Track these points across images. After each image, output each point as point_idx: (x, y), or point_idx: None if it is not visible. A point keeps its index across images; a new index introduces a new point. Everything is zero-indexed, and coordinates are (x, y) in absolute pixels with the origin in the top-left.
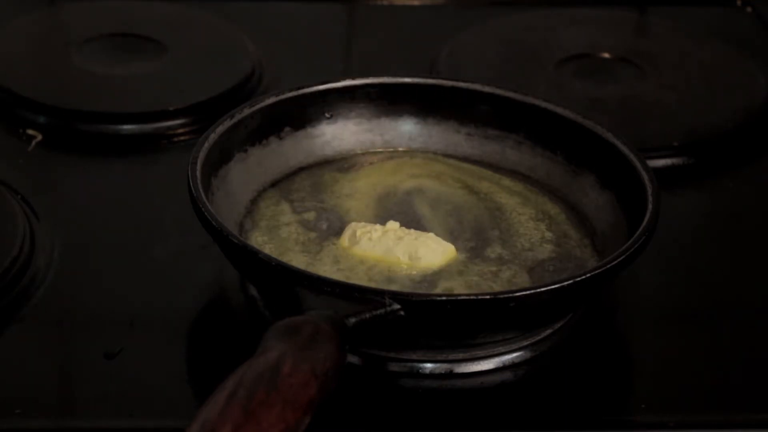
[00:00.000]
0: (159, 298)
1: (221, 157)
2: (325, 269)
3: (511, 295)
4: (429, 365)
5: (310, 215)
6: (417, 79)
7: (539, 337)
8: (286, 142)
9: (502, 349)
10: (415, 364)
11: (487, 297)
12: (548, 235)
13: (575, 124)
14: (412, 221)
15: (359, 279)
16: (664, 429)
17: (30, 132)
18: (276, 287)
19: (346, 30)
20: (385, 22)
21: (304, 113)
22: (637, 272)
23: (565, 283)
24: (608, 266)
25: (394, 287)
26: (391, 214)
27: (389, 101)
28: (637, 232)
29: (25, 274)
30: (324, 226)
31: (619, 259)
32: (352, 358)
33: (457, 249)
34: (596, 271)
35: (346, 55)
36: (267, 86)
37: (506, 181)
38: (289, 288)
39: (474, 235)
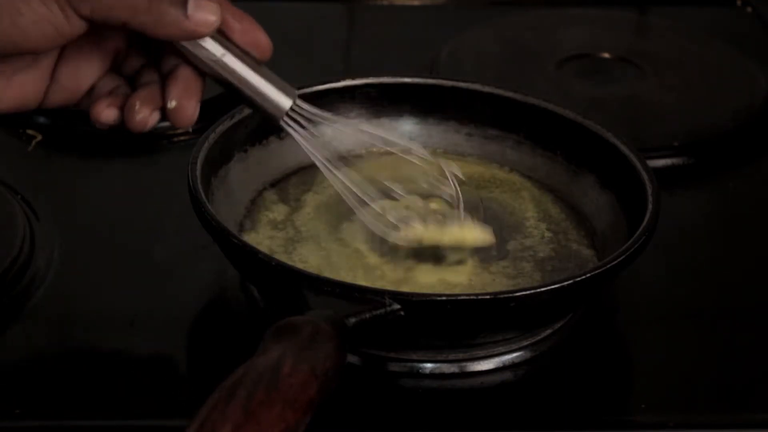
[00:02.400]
0: (159, 298)
1: (221, 157)
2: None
3: (511, 295)
4: (429, 365)
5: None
6: (417, 79)
7: (539, 337)
8: (286, 142)
9: (502, 349)
10: (415, 364)
11: (487, 297)
12: (548, 235)
13: (575, 124)
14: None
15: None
16: (664, 429)
17: (30, 132)
18: (276, 287)
19: (346, 30)
20: (385, 22)
21: None
22: (637, 272)
23: (565, 283)
24: (608, 266)
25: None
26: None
27: (389, 101)
28: (637, 232)
29: (25, 274)
30: None
31: (619, 259)
32: (352, 358)
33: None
34: (596, 271)
35: (346, 55)
36: None
37: (506, 181)
38: (288, 288)
39: None
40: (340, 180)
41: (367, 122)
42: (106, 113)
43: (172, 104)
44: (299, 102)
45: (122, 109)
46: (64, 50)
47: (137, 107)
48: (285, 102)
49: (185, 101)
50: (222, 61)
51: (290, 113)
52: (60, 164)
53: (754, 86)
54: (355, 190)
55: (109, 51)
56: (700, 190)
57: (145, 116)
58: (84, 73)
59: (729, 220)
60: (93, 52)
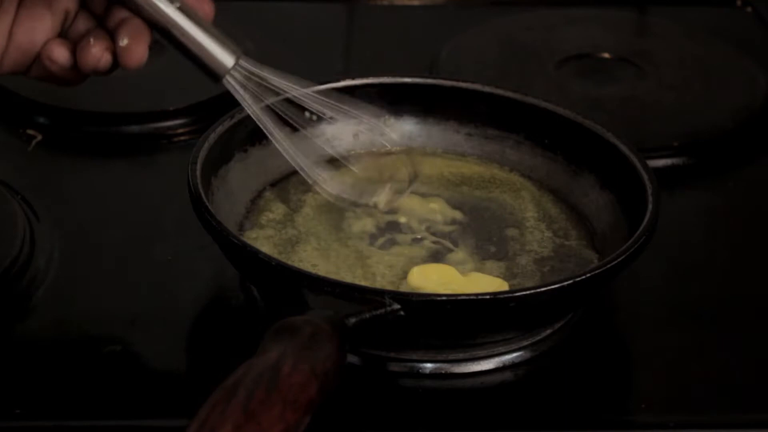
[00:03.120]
0: (159, 298)
1: (221, 157)
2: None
3: (511, 295)
4: (429, 365)
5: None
6: (417, 79)
7: (539, 337)
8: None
9: (502, 349)
10: (415, 364)
11: (487, 297)
12: (548, 235)
13: (575, 124)
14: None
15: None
16: (664, 429)
17: (30, 132)
18: (276, 287)
19: (346, 30)
20: (385, 22)
21: (304, 113)
22: (637, 272)
23: (565, 283)
24: (608, 266)
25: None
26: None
27: (389, 101)
28: (637, 232)
29: (25, 274)
30: None
31: (619, 259)
32: (352, 358)
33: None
34: (596, 271)
35: (346, 55)
36: None
37: (506, 181)
38: (289, 288)
39: (474, 234)
40: (283, 146)
41: (367, 122)
42: (58, 50)
43: (123, 42)
44: (243, 61)
45: (74, 52)
46: (19, 10)
47: (91, 42)
48: (227, 60)
49: (135, 41)
50: (165, 12)
51: (236, 73)
52: (60, 164)
53: (754, 86)
54: (295, 156)
55: (60, 11)
56: (700, 190)
57: (98, 52)
58: (38, 31)
59: (729, 220)
60: (45, 11)
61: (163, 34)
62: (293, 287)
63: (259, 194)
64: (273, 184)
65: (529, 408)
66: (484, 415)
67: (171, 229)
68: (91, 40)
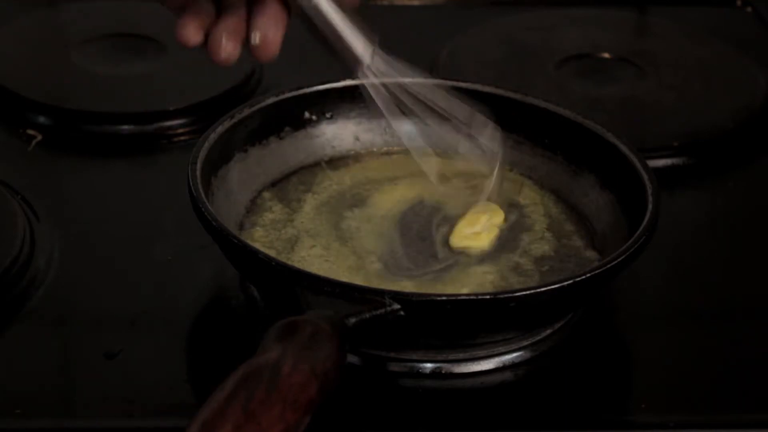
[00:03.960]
0: (159, 298)
1: (221, 157)
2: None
3: (511, 295)
4: (429, 365)
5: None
6: (417, 79)
7: (539, 337)
8: (286, 142)
9: (502, 349)
10: (415, 364)
11: (487, 297)
12: (548, 234)
13: (575, 124)
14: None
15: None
16: (664, 429)
17: (30, 132)
18: (276, 287)
19: None
20: (385, 22)
21: (304, 113)
22: (637, 272)
23: (565, 283)
24: (608, 266)
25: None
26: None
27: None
28: (637, 232)
29: (25, 274)
30: None
31: (619, 259)
32: (352, 358)
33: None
34: (596, 271)
35: None
36: (267, 86)
37: (506, 181)
38: (289, 288)
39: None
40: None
41: (367, 122)
42: (194, 39)
43: (256, 40)
44: (376, 54)
45: (206, 34)
46: None
47: (223, 42)
48: (364, 55)
49: (270, 36)
50: None
51: (370, 67)
52: (60, 164)
53: (754, 86)
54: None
55: None
56: (700, 190)
57: (230, 52)
58: None
59: (729, 220)
60: None
61: (302, 18)
62: (293, 287)
63: (259, 194)
64: (273, 184)
65: (529, 408)
66: (484, 415)
67: (171, 229)
68: (223, 39)
